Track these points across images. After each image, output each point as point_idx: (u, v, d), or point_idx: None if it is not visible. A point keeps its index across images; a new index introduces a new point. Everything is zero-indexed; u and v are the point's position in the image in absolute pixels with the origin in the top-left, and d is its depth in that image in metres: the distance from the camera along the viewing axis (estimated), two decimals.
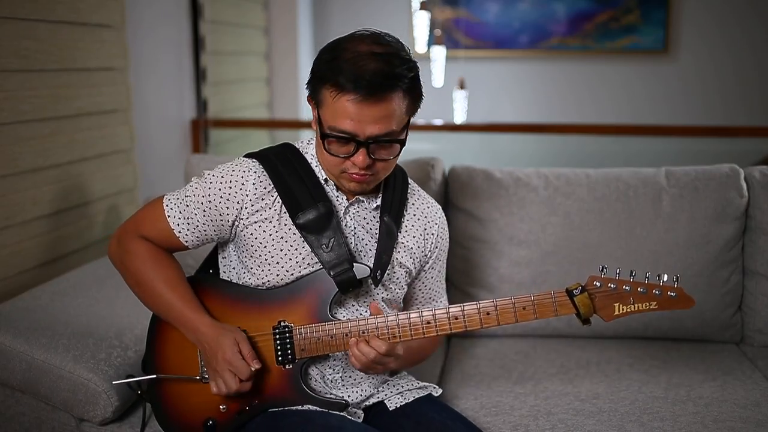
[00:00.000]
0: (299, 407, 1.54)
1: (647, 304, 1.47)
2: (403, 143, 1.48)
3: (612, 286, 1.47)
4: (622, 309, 1.47)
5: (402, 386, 1.65)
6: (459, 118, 4.52)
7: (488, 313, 1.49)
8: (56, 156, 2.30)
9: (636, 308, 1.47)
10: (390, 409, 1.61)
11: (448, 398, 1.85)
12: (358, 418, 1.58)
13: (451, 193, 2.30)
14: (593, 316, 1.49)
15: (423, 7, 4.22)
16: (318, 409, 1.54)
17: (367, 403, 1.62)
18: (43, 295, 1.99)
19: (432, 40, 4.52)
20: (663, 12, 4.87)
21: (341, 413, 1.54)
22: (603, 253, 2.18)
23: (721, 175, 2.22)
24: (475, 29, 5.06)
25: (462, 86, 4.47)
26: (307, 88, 1.51)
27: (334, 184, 1.56)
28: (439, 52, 4.36)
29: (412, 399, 1.63)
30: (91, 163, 2.48)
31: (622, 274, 1.48)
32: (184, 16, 3.32)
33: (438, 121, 3.97)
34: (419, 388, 1.67)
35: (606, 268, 1.48)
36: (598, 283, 1.48)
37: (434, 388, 1.69)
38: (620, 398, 1.83)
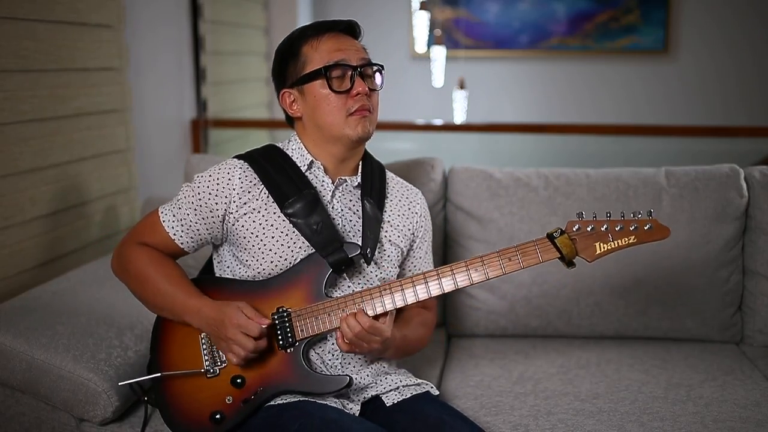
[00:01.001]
0: (299, 399, 1.56)
1: (626, 239, 1.53)
2: (382, 71, 1.65)
3: (591, 227, 1.53)
4: (603, 247, 1.53)
5: (399, 381, 1.66)
6: (459, 118, 4.52)
7: (476, 269, 1.54)
8: (55, 156, 2.30)
9: (617, 245, 1.53)
10: (387, 405, 1.62)
11: (448, 398, 1.85)
12: (355, 413, 1.59)
13: (451, 193, 2.30)
14: (577, 259, 1.54)
15: (423, 7, 4.22)
16: (318, 402, 1.55)
17: (365, 396, 1.63)
18: (43, 295, 1.99)
19: (432, 40, 4.52)
20: (663, 12, 4.87)
21: (338, 401, 1.57)
22: None
23: (721, 175, 2.22)
24: (475, 29, 5.06)
25: (462, 86, 4.46)
26: (276, 84, 1.68)
27: (321, 165, 1.64)
28: (439, 52, 4.36)
29: (410, 395, 1.64)
30: (89, 163, 2.48)
31: (599, 216, 1.54)
32: (183, 16, 3.32)
33: (438, 121, 3.97)
34: (416, 384, 1.68)
35: (583, 213, 1.54)
36: (577, 227, 1.53)
37: (432, 387, 1.70)
38: (620, 398, 1.83)
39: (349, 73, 1.59)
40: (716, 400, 1.82)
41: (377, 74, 1.64)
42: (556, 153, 3.94)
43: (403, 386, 1.65)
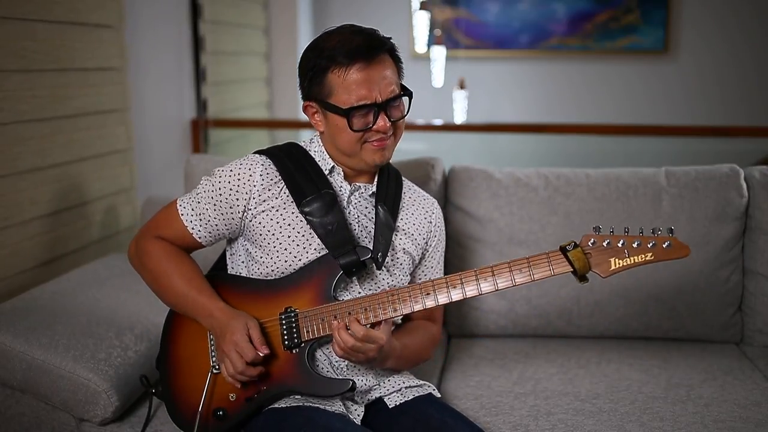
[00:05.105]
0: (301, 404, 1.56)
1: (643, 256, 1.48)
2: (409, 96, 1.61)
3: (607, 242, 1.49)
4: (618, 263, 1.49)
5: (402, 383, 1.66)
6: (459, 118, 4.52)
7: (486, 279, 1.52)
8: (55, 156, 2.30)
9: (632, 261, 1.48)
10: (390, 407, 1.63)
11: (448, 398, 1.85)
12: (359, 415, 1.60)
13: (451, 193, 2.30)
14: (590, 274, 1.50)
15: (423, 7, 4.23)
16: (320, 407, 1.55)
17: (369, 397, 1.64)
18: (43, 295, 1.99)
19: (432, 40, 4.53)
20: (663, 12, 4.87)
21: (343, 403, 1.57)
22: None
23: (721, 175, 2.22)
24: (475, 29, 5.06)
25: (462, 86, 4.47)
26: (302, 91, 1.62)
27: (342, 171, 1.64)
28: (439, 52, 4.36)
29: (412, 397, 1.65)
30: (89, 163, 2.48)
31: (617, 231, 1.50)
32: (183, 16, 3.32)
33: (438, 121, 3.97)
34: (418, 386, 1.68)
35: (600, 227, 1.50)
36: (592, 241, 1.49)
37: (434, 389, 1.70)
38: (620, 398, 1.83)
39: (373, 110, 1.54)
40: (716, 400, 1.82)
41: (404, 99, 1.60)
42: (556, 153, 3.94)
43: (405, 387, 1.66)
